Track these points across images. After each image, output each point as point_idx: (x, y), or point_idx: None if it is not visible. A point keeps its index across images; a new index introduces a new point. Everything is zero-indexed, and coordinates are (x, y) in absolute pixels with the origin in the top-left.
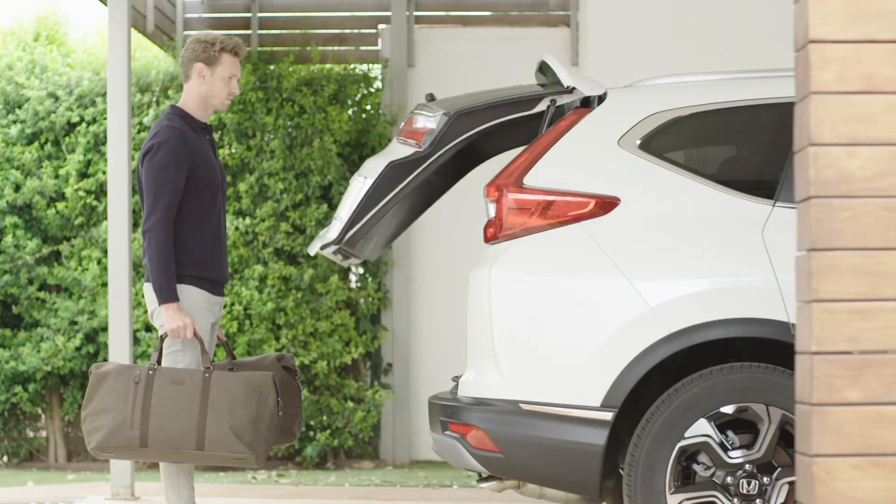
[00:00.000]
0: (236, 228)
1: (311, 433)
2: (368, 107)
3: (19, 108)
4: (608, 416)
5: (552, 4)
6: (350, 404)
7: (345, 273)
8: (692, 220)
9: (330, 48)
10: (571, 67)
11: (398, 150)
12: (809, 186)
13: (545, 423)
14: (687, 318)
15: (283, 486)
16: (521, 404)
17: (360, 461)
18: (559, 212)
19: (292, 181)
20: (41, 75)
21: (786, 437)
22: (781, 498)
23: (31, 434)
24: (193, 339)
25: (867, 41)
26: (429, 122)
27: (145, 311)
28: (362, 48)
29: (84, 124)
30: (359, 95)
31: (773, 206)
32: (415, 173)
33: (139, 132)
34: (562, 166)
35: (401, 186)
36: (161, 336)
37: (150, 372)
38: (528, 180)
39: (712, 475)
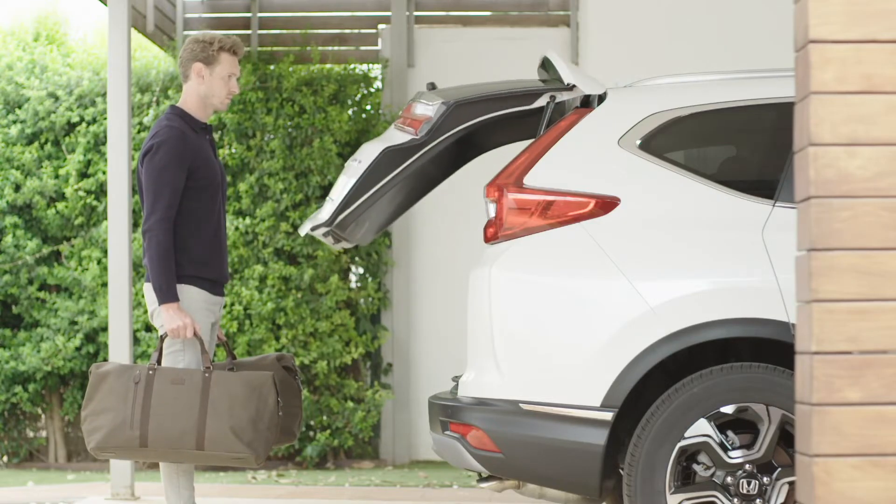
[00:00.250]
0: (236, 228)
1: (311, 433)
2: (368, 107)
3: (19, 108)
4: (608, 416)
5: (552, 4)
6: (350, 404)
7: (345, 273)
8: (692, 220)
9: (330, 48)
10: (573, 65)
11: (395, 136)
12: (809, 186)
13: (545, 423)
14: (687, 318)
15: (283, 486)
16: (521, 404)
17: (360, 461)
18: (559, 212)
19: (292, 181)
20: (41, 75)
21: (786, 437)
22: (781, 498)
23: (31, 434)
24: (193, 339)
25: (867, 41)
26: (427, 110)
27: (145, 311)
28: (362, 48)
29: (84, 124)
30: (359, 95)
31: (773, 206)
32: (410, 160)
33: (139, 132)
34: (562, 166)
35: (395, 173)
36: (161, 336)
37: (150, 372)
38: (528, 180)
39: (712, 475)
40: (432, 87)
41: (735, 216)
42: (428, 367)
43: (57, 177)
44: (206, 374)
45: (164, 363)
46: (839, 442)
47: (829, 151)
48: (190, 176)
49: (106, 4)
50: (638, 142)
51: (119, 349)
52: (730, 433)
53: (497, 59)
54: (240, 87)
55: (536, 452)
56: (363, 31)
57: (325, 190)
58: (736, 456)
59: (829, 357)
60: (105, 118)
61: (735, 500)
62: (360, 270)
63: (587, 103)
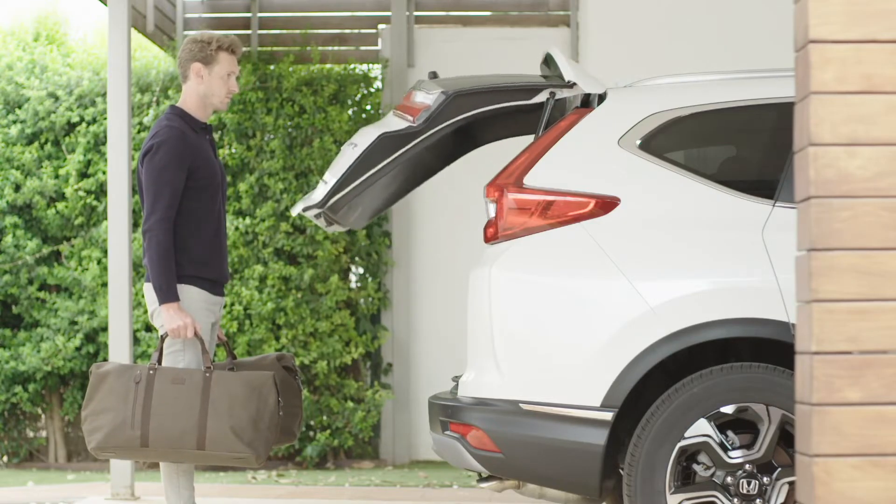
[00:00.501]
0: (236, 228)
1: (311, 433)
2: (368, 107)
3: (19, 108)
4: (608, 416)
5: (552, 4)
6: (350, 404)
7: (345, 273)
8: (692, 220)
9: (330, 48)
10: (575, 62)
11: (392, 122)
12: (809, 186)
13: (545, 423)
14: (687, 318)
15: (283, 486)
16: (521, 404)
17: (360, 461)
18: (559, 212)
19: (292, 181)
20: (41, 75)
21: (786, 437)
22: (781, 498)
23: (31, 434)
24: (194, 338)
25: (867, 41)
26: (426, 98)
27: (145, 311)
28: (362, 48)
29: (84, 124)
30: (359, 95)
31: (773, 206)
32: (406, 148)
33: (139, 132)
34: (562, 166)
35: (390, 159)
36: (161, 336)
37: (151, 372)
38: (528, 180)
39: (712, 475)
40: (434, 76)
41: (735, 216)
42: (428, 367)
43: (57, 177)
44: (207, 374)
45: (164, 363)
46: (839, 442)
47: (829, 151)
48: (190, 176)
49: (106, 4)
50: (638, 142)
51: (119, 349)
52: (730, 433)
53: (497, 59)
54: (239, 87)
55: (536, 452)
56: (363, 31)
57: None
58: (736, 456)
59: (829, 357)
60: (105, 118)
61: (735, 500)
62: (360, 270)
63: (587, 103)
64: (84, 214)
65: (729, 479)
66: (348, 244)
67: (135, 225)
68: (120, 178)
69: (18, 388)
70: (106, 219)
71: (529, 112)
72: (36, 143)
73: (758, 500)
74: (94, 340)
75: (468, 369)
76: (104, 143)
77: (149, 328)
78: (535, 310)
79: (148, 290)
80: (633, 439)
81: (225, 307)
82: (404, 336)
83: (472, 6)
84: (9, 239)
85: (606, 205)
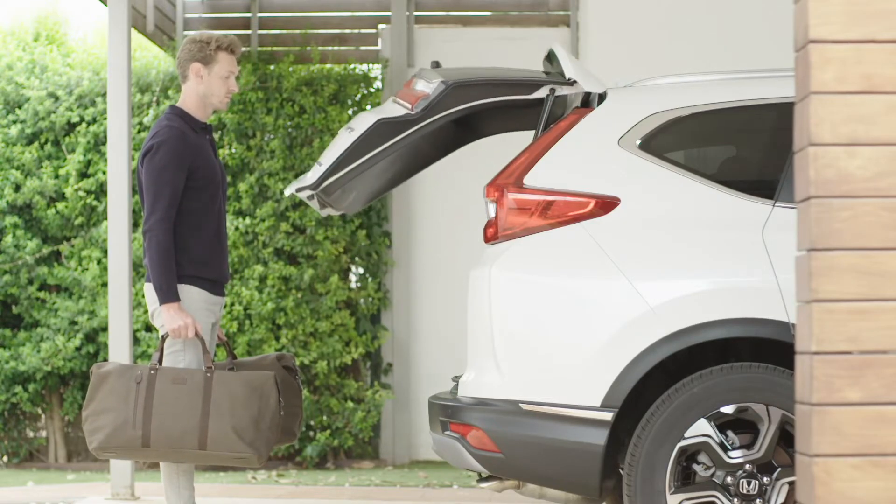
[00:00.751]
0: (236, 228)
1: (311, 433)
2: (368, 107)
3: (19, 108)
4: (608, 416)
5: (552, 4)
6: (350, 404)
7: (345, 273)
8: (692, 220)
9: (330, 48)
10: (577, 60)
11: (391, 109)
12: (809, 186)
13: (545, 423)
14: (687, 318)
15: (283, 486)
16: (521, 404)
17: (360, 461)
18: (559, 212)
19: (292, 180)
20: (41, 75)
21: (786, 437)
22: (781, 498)
23: (31, 434)
24: (194, 338)
25: (867, 41)
26: (426, 87)
27: (145, 311)
28: (362, 48)
29: (84, 124)
30: (359, 95)
31: (773, 206)
32: (402, 135)
33: (139, 132)
34: (562, 166)
35: (386, 145)
36: (162, 336)
37: (152, 372)
38: (528, 180)
39: (712, 475)
40: (436, 65)
41: (735, 216)
42: (428, 367)
43: (57, 177)
44: (208, 374)
45: (164, 363)
46: (839, 442)
47: (829, 151)
48: (190, 176)
49: (106, 4)
50: (638, 142)
51: (119, 349)
52: (730, 433)
53: (497, 59)
54: (239, 87)
55: (536, 452)
56: (363, 31)
57: None
58: (736, 456)
59: (829, 357)
60: (105, 118)
61: (735, 500)
62: (360, 270)
63: (587, 103)
64: (84, 214)
65: (729, 479)
66: (348, 244)
67: (135, 225)
68: (120, 178)
69: (18, 388)
70: (106, 219)
71: (529, 107)
72: (36, 143)
73: (758, 500)
74: (94, 340)
75: (468, 369)
76: (104, 143)
77: (149, 328)
78: (535, 310)
79: (148, 290)
80: (633, 439)
81: (225, 307)
82: (404, 336)
83: (472, 6)
84: (9, 239)
85: (606, 205)
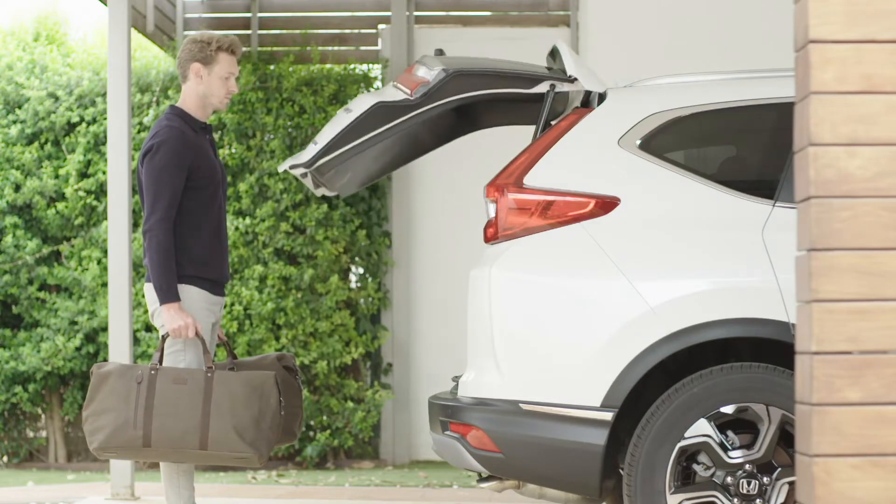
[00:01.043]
0: (236, 228)
1: (311, 433)
2: None
3: (19, 108)
4: (608, 416)
5: (552, 4)
6: (350, 404)
7: (345, 273)
8: (692, 220)
9: (330, 48)
10: (579, 58)
11: (390, 93)
12: (809, 186)
13: (545, 423)
14: (687, 318)
15: (283, 486)
16: (521, 404)
17: (360, 461)
18: (559, 212)
19: (292, 181)
20: (41, 75)
21: (786, 437)
22: (781, 498)
23: (31, 434)
24: (194, 338)
25: (867, 41)
26: (427, 74)
27: (145, 311)
28: (362, 48)
29: (84, 124)
30: (359, 95)
31: (773, 206)
32: (400, 119)
33: (139, 132)
34: (562, 166)
35: (383, 128)
36: (162, 336)
37: (152, 372)
38: (528, 180)
39: (712, 475)
40: (440, 52)
41: (735, 216)
42: (428, 367)
43: (57, 177)
44: (209, 374)
45: (165, 363)
46: (839, 442)
47: (829, 151)
48: (190, 176)
49: (106, 4)
50: (638, 142)
51: (119, 349)
52: (730, 433)
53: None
54: (239, 87)
55: (536, 452)
56: (363, 31)
57: None
58: (736, 456)
59: (829, 357)
60: (105, 118)
61: (735, 500)
62: (360, 270)
63: (587, 103)
64: (84, 214)
65: (729, 479)
66: (348, 244)
67: (135, 225)
68: (120, 178)
69: (18, 388)
70: (106, 219)
71: (530, 102)
72: (36, 143)
73: (758, 500)
74: (94, 340)
75: (468, 369)
76: (104, 143)
77: (149, 328)
78: (535, 310)
79: (149, 290)
80: (633, 439)
81: (225, 307)
82: (404, 336)
83: (472, 6)
84: (9, 239)
85: (606, 205)
